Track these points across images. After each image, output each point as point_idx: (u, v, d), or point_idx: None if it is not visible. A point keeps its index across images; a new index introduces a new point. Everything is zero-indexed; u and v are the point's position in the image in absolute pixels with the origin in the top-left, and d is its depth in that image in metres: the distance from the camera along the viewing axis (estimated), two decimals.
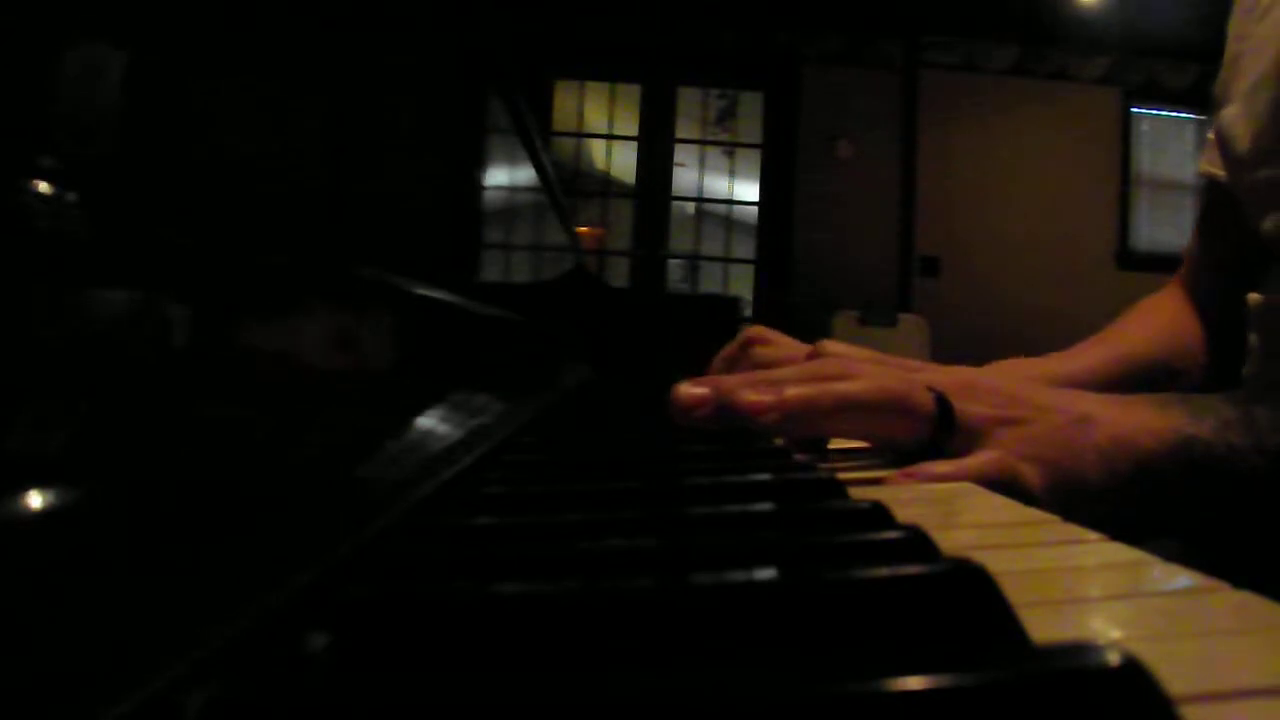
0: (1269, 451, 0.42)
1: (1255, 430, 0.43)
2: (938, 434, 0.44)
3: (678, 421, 0.46)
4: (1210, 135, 0.69)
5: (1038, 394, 0.46)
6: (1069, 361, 0.69)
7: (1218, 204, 0.71)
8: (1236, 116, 0.63)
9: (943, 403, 0.44)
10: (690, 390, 0.46)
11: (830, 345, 0.55)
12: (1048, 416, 0.44)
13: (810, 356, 0.54)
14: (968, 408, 0.44)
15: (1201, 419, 0.43)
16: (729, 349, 0.65)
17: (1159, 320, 0.73)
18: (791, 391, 0.44)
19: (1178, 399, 0.45)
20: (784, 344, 0.62)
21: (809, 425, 0.45)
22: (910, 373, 0.48)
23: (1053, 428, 0.43)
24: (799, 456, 0.47)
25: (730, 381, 0.46)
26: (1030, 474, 0.42)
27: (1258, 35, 0.63)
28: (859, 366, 0.47)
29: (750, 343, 0.63)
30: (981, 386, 0.45)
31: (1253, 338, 0.64)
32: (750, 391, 0.44)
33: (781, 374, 0.47)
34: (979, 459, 0.42)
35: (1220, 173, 0.68)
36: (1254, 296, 0.64)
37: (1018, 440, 0.43)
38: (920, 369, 0.51)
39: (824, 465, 0.45)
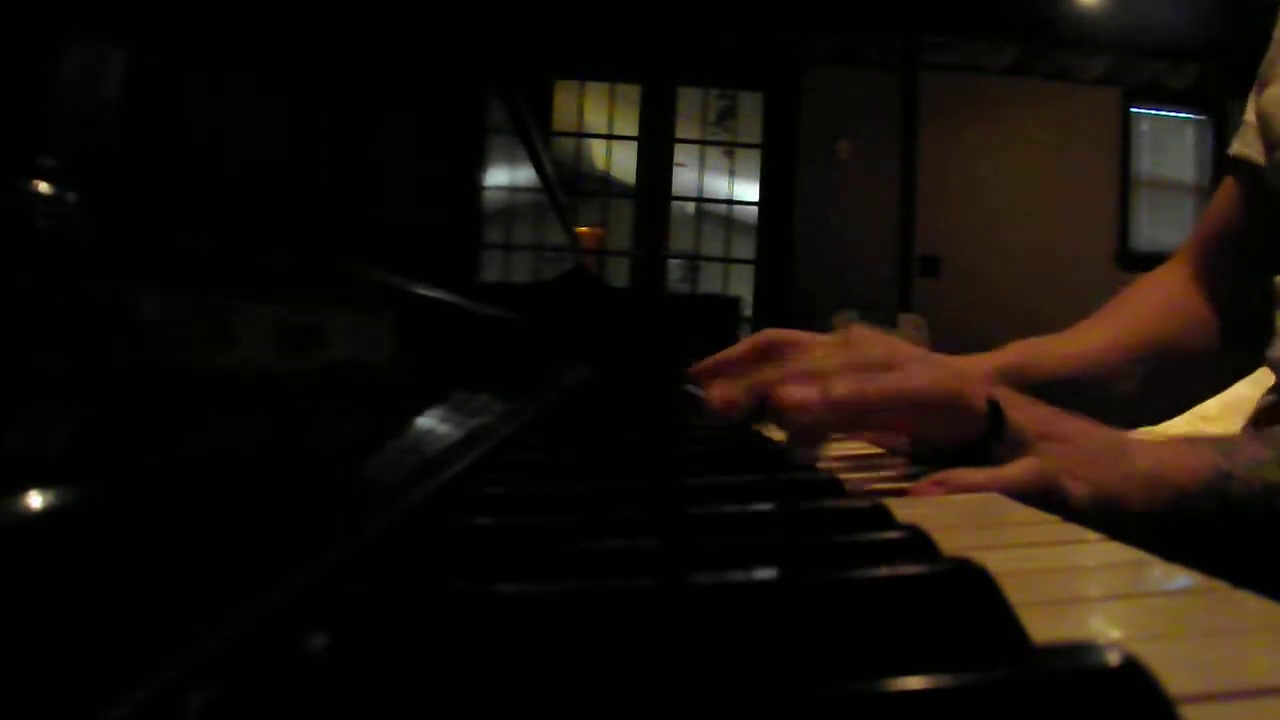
0: None
1: None
2: (985, 439, 0.42)
3: (711, 420, 0.45)
4: (1247, 117, 0.68)
5: (1073, 418, 0.45)
6: (1079, 340, 0.68)
7: (1244, 186, 0.70)
8: None
9: (995, 408, 0.42)
10: (725, 393, 0.45)
11: (858, 331, 0.53)
12: (1089, 439, 0.43)
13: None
14: (1016, 416, 0.42)
15: (1234, 456, 0.43)
16: (737, 351, 0.59)
17: (1162, 298, 0.72)
18: (840, 389, 0.40)
19: (1207, 439, 0.45)
20: (810, 344, 0.56)
21: (857, 423, 0.43)
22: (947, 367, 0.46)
23: (1095, 450, 0.43)
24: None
25: (769, 375, 0.44)
26: (1075, 488, 0.41)
27: None
28: (903, 356, 0.44)
29: (773, 347, 0.57)
30: (1026, 401, 0.44)
31: (1279, 319, 0.64)
32: (795, 386, 0.41)
33: (822, 364, 0.44)
34: (1020, 467, 0.41)
35: (1254, 155, 0.67)
36: None
37: (1062, 456, 0.42)
38: (944, 362, 0.49)
39: (845, 472, 0.43)
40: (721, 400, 0.46)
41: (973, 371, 0.59)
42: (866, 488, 0.41)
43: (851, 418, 0.42)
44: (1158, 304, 0.72)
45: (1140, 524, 0.41)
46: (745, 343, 0.60)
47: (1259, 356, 0.66)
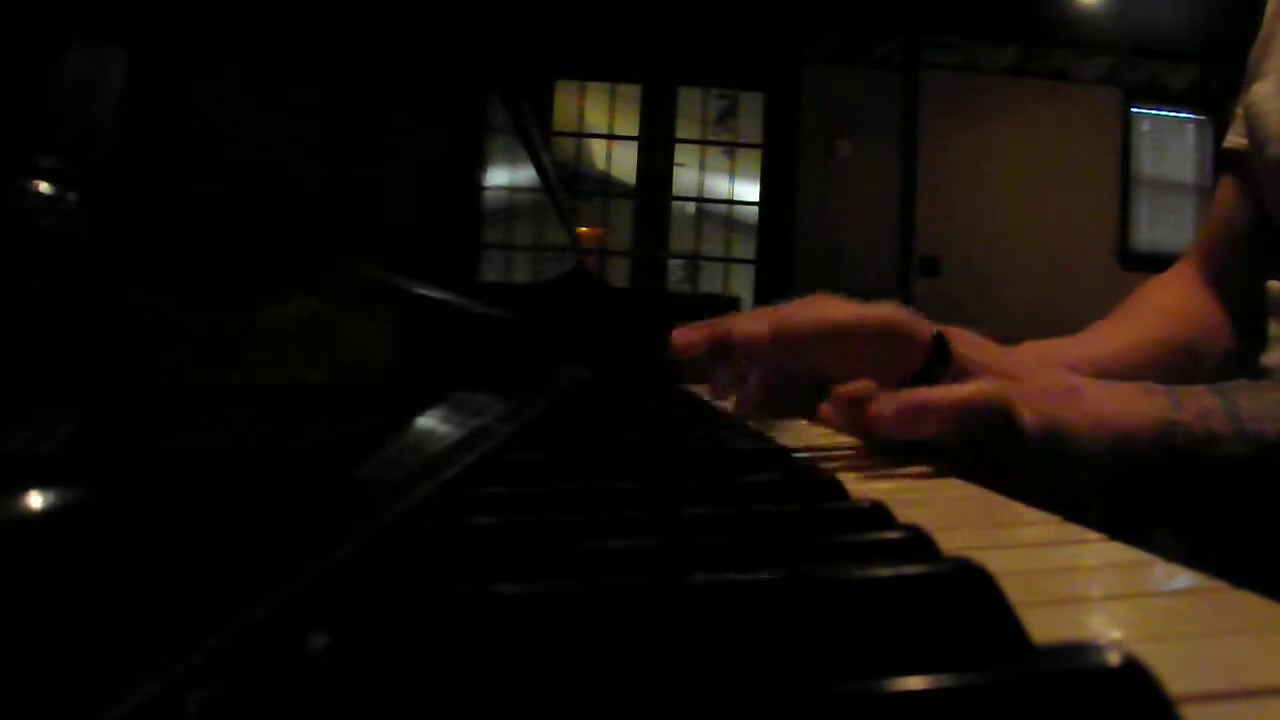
0: (1251, 438, 0.42)
1: (1237, 418, 0.43)
2: (929, 369, 0.43)
3: (677, 364, 0.47)
4: (1239, 110, 0.68)
5: (1028, 360, 0.46)
6: (1088, 344, 0.68)
7: (1241, 179, 0.70)
8: (1270, 93, 0.62)
9: (940, 337, 0.44)
10: (685, 336, 0.46)
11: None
12: (1040, 380, 0.44)
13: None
14: (964, 350, 0.44)
15: (1183, 406, 0.43)
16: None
17: (1174, 302, 0.72)
18: (780, 318, 0.43)
19: (1162, 388, 0.46)
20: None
21: (796, 351, 0.44)
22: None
23: (1046, 388, 0.44)
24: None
25: (723, 324, 0.46)
26: (1026, 414, 0.42)
27: None
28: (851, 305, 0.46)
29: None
30: (973, 337, 0.46)
31: (1274, 326, 0.64)
32: (744, 321, 0.44)
33: (773, 310, 0.46)
34: (975, 385, 0.42)
35: (1244, 143, 0.67)
36: (1275, 285, 0.63)
37: (1015, 390, 0.43)
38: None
39: (806, 457, 0.44)
40: (681, 341, 0.48)
41: None
42: (830, 469, 0.41)
43: (793, 350, 0.44)
44: (1167, 307, 0.72)
45: (1093, 471, 0.41)
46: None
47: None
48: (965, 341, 0.45)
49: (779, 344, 0.43)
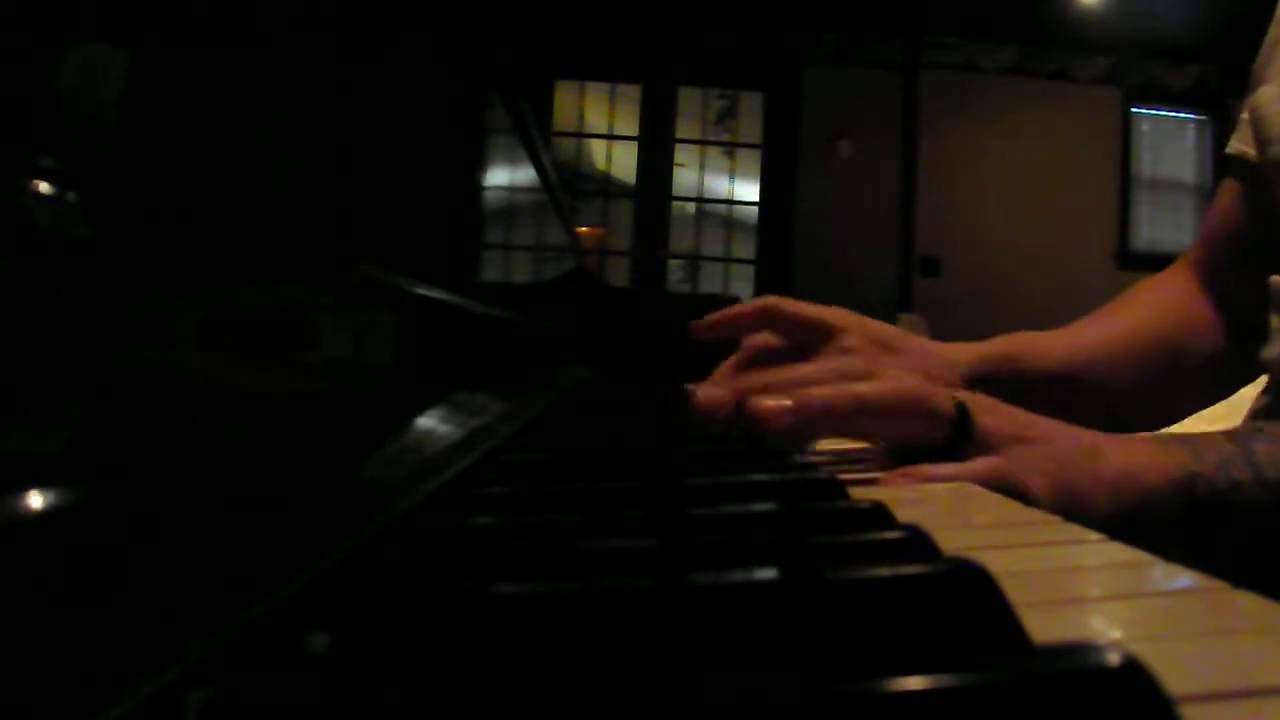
0: (1270, 485, 0.42)
1: (1255, 465, 0.43)
2: (953, 441, 0.43)
3: (699, 420, 0.47)
4: (1244, 115, 0.69)
5: (1049, 421, 0.46)
6: (1074, 336, 0.68)
7: (1243, 184, 0.70)
8: (1275, 96, 0.62)
9: (963, 410, 0.44)
10: (709, 395, 0.46)
11: (853, 320, 0.54)
12: (1060, 442, 0.44)
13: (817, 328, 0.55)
14: (985, 420, 0.44)
15: (1203, 457, 0.43)
16: (738, 312, 0.62)
17: (1165, 298, 0.72)
18: (809, 400, 0.43)
19: (1178, 438, 0.46)
20: (808, 315, 0.60)
21: (826, 428, 0.45)
22: (932, 357, 0.47)
23: (1065, 452, 0.43)
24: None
25: (749, 383, 0.46)
26: (1041, 488, 0.42)
27: None
28: (882, 365, 0.47)
29: (770, 314, 0.61)
30: (1000, 406, 0.45)
31: (1275, 320, 0.64)
32: (768, 398, 0.44)
33: (804, 373, 0.46)
34: (985, 462, 0.42)
35: (1251, 151, 0.67)
36: (1276, 279, 0.63)
37: (1031, 457, 0.43)
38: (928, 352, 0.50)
39: (820, 463, 0.45)
40: (706, 401, 0.49)
41: (953, 361, 0.60)
42: (840, 479, 0.41)
43: (821, 425, 0.45)
44: (1160, 304, 0.72)
45: (1106, 527, 0.42)
46: (749, 305, 0.63)
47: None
48: (983, 408, 0.45)
49: (801, 421, 0.43)
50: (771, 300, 0.62)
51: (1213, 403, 0.73)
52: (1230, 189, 0.71)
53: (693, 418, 0.48)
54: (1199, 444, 0.45)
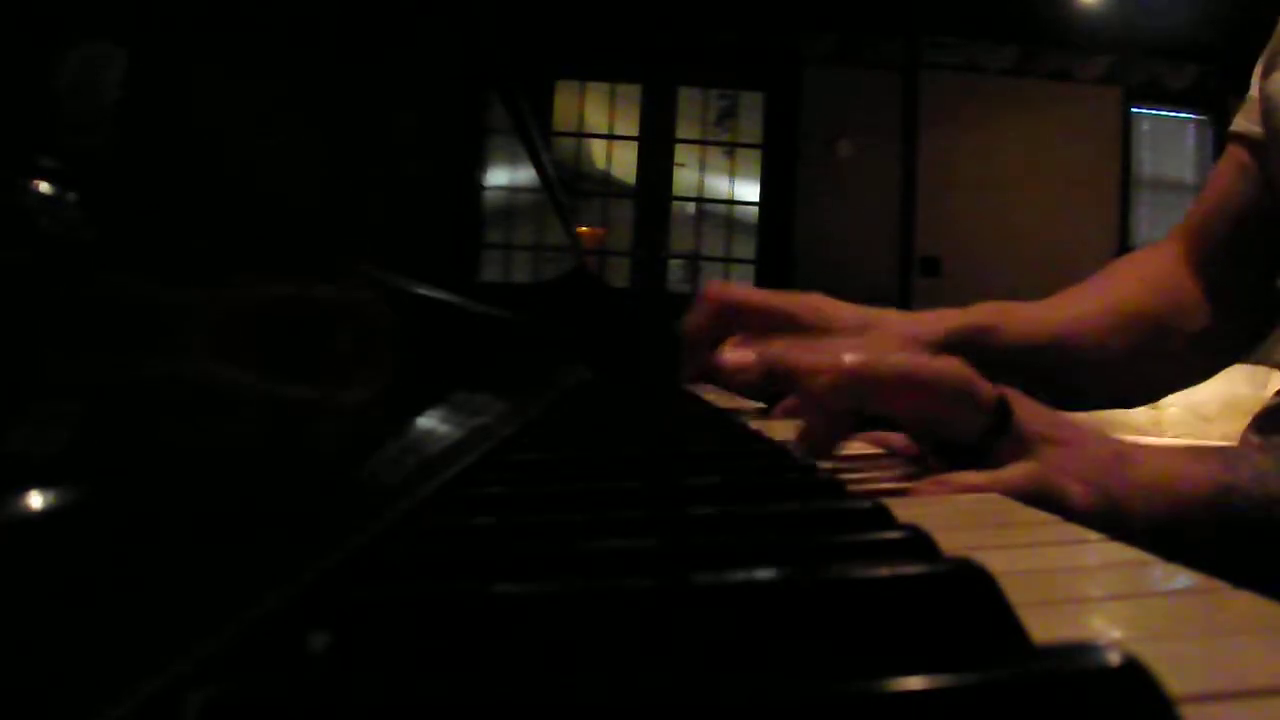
0: None
1: None
2: (988, 434, 0.42)
3: (727, 384, 0.45)
4: (1252, 94, 0.67)
5: (1072, 422, 0.44)
6: (1057, 307, 0.67)
7: (1246, 159, 0.68)
8: None
9: (1003, 402, 0.42)
10: (736, 356, 0.45)
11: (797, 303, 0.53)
12: (1092, 445, 0.43)
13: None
14: (1022, 415, 0.42)
15: (1237, 468, 0.43)
16: (696, 323, 0.60)
17: (1150, 273, 0.71)
18: (852, 360, 0.41)
19: (1212, 449, 0.45)
20: (761, 303, 0.59)
21: (862, 397, 0.43)
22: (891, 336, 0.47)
23: (1100, 456, 0.42)
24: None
25: (780, 344, 0.45)
26: (1078, 493, 0.41)
27: None
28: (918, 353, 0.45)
29: (726, 308, 0.59)
30: (1030, 401, 0.44)
31: None
32: (809, 354, 0.42)
33: (835, 344, 0.45)
34: (1021, 470, 0.41)
35: (1258, 129, 0.66)
36: None
37: (1065, 459, 0.42)
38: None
39: (846, 472, 0.43)
40: (734, 363, 0.46)
41: (914, 336, 0.59)
42: (866, 487, 0.41)
43: (861, 390, 0.42)
44: (1144, 278, 0.70)
45: (1140, 536, 0.41)
46: (701, 313, 0.61)
47: (1253, 340, 0.66)
48: (1020, 405, 0.43)
49: (837, 386, 0.41)
50: (716, 291, 0.60)
51: (1195, 381, 0.72)
52: (1230, 167, 0.70)
53: (721, 379, 0.46)
54: (1234, 456, 0.44)
